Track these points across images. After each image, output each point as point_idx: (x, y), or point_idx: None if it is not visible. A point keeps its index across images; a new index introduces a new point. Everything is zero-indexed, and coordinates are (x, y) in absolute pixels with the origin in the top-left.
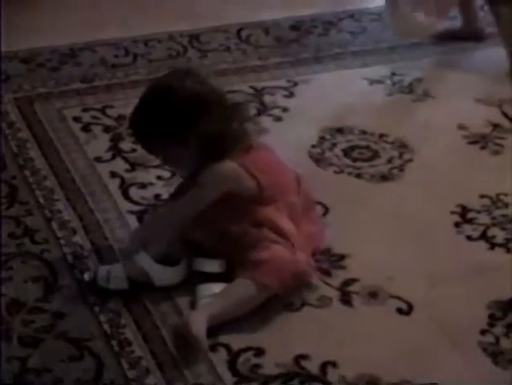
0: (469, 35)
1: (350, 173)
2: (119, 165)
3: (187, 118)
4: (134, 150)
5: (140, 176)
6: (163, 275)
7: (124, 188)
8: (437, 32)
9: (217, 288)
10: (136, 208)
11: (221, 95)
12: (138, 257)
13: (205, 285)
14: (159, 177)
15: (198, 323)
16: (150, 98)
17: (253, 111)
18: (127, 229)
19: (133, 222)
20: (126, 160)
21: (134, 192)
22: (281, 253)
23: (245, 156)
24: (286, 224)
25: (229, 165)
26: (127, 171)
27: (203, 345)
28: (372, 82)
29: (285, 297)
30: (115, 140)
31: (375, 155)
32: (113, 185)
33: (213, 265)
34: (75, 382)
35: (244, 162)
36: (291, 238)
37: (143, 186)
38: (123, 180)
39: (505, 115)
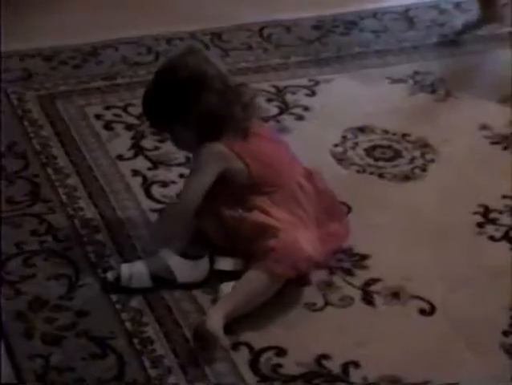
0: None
1: (372, 173)
2: (142, 163)
3: (188, 95)
4: (156, 148)
5: (162, 174)
6: (185, 270)
7: (146, 187)
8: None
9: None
10: (157, 206)
11: (223, 76)
12: (161, 253)
13: (228, 284)
14: (181, 175)
15: (214, 321)
16: (156, 76)
17: (273, 109)
18: (149, 228)
19: (155, 219)
20: (148, 158)
21: (156, 190)
22: (286, 240)
23: (240, 141)
24: (279, 214)
25: (217, 147)
26: (149, 169)
27: (221, 342)
28: (394, 81)
29: (305, 295)
30: (137, 138)
31: (398, 154)
32: (135, 183)
33: (229, 264)
34: (97, 380)
35: (236, 147)
36: (283, 224)
37: (165, 184)
38: (145, 179)
39: None
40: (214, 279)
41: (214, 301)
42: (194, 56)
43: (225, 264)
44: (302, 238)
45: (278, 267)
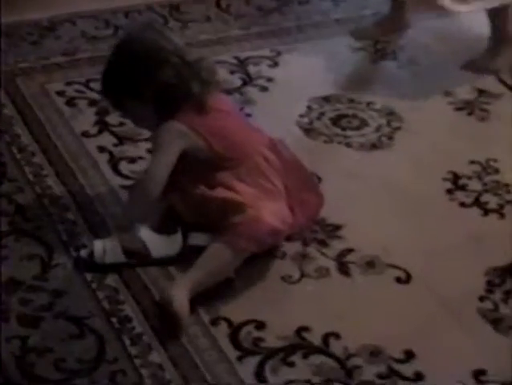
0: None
1: (340, 142)
2: (107, 140)
3: (145, 70)
4: (122, 124)
5: (129, 150)
6: (160, 245)
7: (114, 163)
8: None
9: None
10: (126, 182)
11: (181, 50)
12: (134, 228)
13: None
14: (149, 151)
15: (180, 298)
16: (113, 53)
17: (237, 81)
18: (119, 204)
19: (125, 197)
20: (114, 134)
21: (124, 166)
22: (250, 214)
23: (199, 117)
24: (243, 188)
25: (175, 125)
26: (115, 145)
27: (184, 322)
28: (356, 50)
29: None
30: (101, 114)
31: (364, 123)
32: (102, 160)
33: (202, 238)
34: (78, 361)
35: (195, 123)
36: (247, 198)
37: (132, 160)
38: (112, 155)
39: (503, 82)
40: (189, 255)
41: None
42: (151, 31)
43: (198, 239)
44: (267, 211)
45: (240, 241)
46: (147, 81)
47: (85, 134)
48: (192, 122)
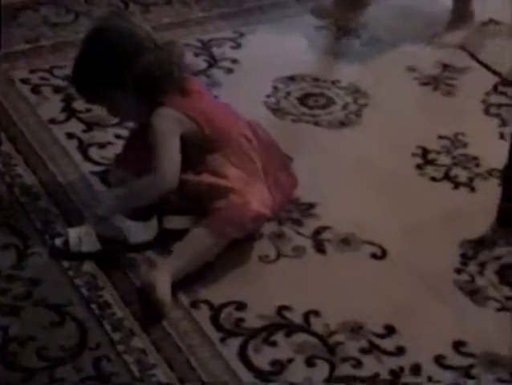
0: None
1: (308, 121)
2: (75, 126)
3: (123, 58)
4: (89, 110)
5: (98, 135)
6: (135, 231)
7: (83, 149)
8: None
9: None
10: (97, 168)
11: (151, 35)
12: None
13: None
14: (117, 136)
15: (163, 284)
16: (85, 46)
17: (202, 64)
18: (91, 190)
19: (97, 183)
20: (81, 120)
21: (94, 152)
22: (235, 200)
23: (184, 101)
24: (230, 171)
25: (167, 111)
26: (83, 131)
27: (167, 308)
28: (318, 28)
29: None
30: (68, 101)
31: (330, 101)
32: (71, 147)
33: (182, 222)
34: (61, 348)
35: (183, 107)
36: (235, 183)
37: (102, 146)
38: (80, 141)
39: (473, 55)
40: (165, 240)
41: None
42: (119, 18)
43: (174, 222)
44: (252, 196)
45: (223, 227)
46: (127, 68)
47: (52, 121)
48: (181, 106)
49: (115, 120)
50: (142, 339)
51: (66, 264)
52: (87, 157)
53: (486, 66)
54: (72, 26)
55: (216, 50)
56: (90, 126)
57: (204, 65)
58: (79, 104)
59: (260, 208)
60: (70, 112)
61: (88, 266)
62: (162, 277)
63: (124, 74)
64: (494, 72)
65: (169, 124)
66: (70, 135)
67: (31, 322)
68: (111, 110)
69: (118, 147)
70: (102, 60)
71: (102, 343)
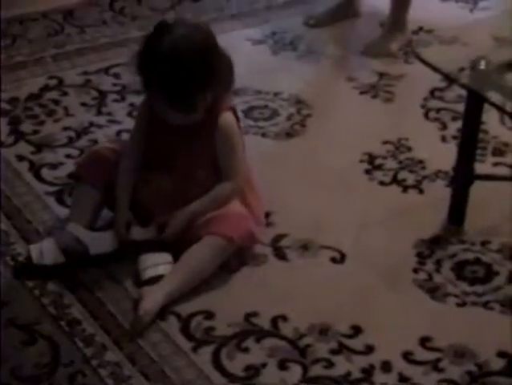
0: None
1: (255, 133)
2: (24, 148)
3: (215, 60)
4: (36, 132)
5: (48, 156)
6: (96, 242)
7: (35, 171)
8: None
9: (159, 258)
10: (51, 188)
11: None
12: (69, 227)
13: (147, 256)
14: (68, 156)
15: (148, 303)
16: (185, 54)
17: None
18: (47, 210)
19: (52, 203)
20: (29, 142)
21: (46, 173)
22: (238, 209)
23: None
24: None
25: (232, 117)
26: (33, 153)
27: (143, 327)
28: (255, 42)
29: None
30: (14, 124)
31: (275, 113)
32: (23, 169)
33: (142, 232)
34: (35, 366)
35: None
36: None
37: (53, 166)
38: (32, 163)
39: (421, 59)
40: (128, 252)
41: (134, 273)
42: (197, 25)
43: (138, 233)
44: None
45: (232, 233)
46: (219, 70)
47: (1, 144)
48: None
49: (63, 141)
50: (115, 353)
51: (30, 284)
52: (40, 178)
53: (434, 68)
54: (11, 49)
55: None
56: (39, 147)
57: None
58: (26, 126)
59: (255, 228)
60: (17, 135)
61: (53, 285)
62: (151, 296)
63: (219, 74)
64: (442, 73)
65: (237, 130)
66: (20, 158)
67: (3, 342)
68: (194, 109)
69: (70, 166)
70: (204, 66)
71: (75, 359)
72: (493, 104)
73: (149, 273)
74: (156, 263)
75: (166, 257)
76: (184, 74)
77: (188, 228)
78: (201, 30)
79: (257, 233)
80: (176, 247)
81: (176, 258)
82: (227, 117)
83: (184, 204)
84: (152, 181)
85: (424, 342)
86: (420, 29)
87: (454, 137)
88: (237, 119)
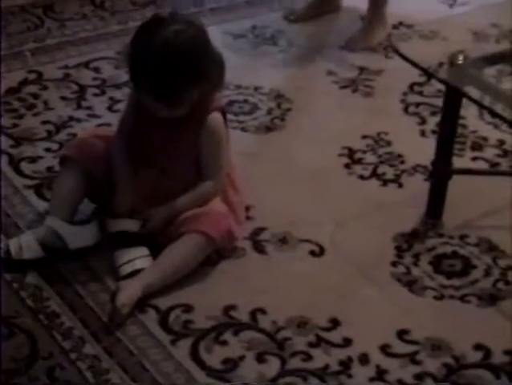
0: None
1: (235, 127)
2: (4, 142)
3: (207, 53)
4: (15, 125)
5: (28, 150)
6: (75, 236)
7: (15, 164)
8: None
9: (136, 252)
10: (31, 182)
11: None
12: (48, 221)
13: (123, 251)
14: (47, 149)
15: (125, 294)
16: (173, 45)
17: (124, 76)
18: (26, 204)
19: (31, 196)
20: (9, 135)
21: (25, 166)
22: (219, 208)
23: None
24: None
25: (220, 117)
26: (12, 147)
27: (121, 318)
28: (236, 36)
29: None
30: None
31: (255, 107)
32: (3, 163)
33: (128, 225)
34: (12, 359)
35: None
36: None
37: (33, 160)
38: (11, 157)
39: (400, 54)
40: (106, 246)
41: (112, 268)
42: (191, 21)
43: (120, 226)
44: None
45: (210, 231)
46: (210, 63)
47: None
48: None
49: (43, 134)
50: (93, 346)
51: (8, 277)
52: (19, 172)
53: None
54: None
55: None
56: (18, 141)
57: (126, 77)
58: (5, 120)
59: (234, 227)
60: None
61: (31, 278)
62: (129, 288)
63: (209, 68)
64: (421, 68)
65: (224, 130)
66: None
67: None
68: (181, 104)
69: (49, 160)
70: (197, 56)
71: (54, 352)
72: (471, 99)
73: (126, 269)
74: (133, 258)
75: (143, 250)
76: (172, 68)
77: (168, 225)
78: (193, 27)
79: (236, 233)
80: (157, 243)
81: (156, 254)
82: (215, 117)
83: (165, 198)
84: (136, 173)
85: (402, 334)
86: (400, 23)
87: (433, 132)
88: (225, 119)
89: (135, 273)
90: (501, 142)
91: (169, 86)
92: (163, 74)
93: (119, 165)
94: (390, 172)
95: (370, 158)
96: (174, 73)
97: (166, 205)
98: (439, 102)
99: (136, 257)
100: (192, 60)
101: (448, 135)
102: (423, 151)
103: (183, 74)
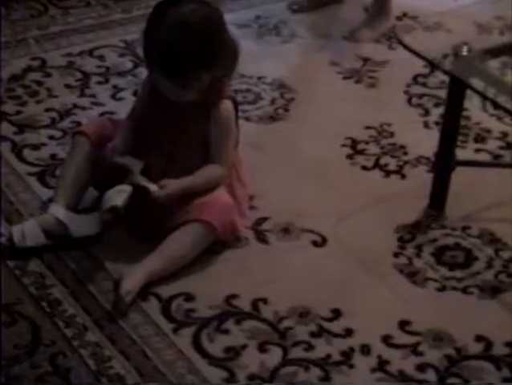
0: None
1: (239, 117)
2: (7, 128)
3: (222, 36)
4: (19, 112)
5: (31, 137)
6: (78, 224)
7: (18, 151)
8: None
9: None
10: (34, 169)
11: None
12: (52, 209)
13: (112, 190)
14: (51, 137)
15: (129, 282)
16: (188, 26)
17: (128, 64)
18: (29, 191)
19: (34, 184)
20: (12, 122)
21: (28, 153)
22: (224, 198)
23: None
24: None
25: (230, 106)
26: (15, 134)
27: (126, 306)
28: (240, 26)
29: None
30: None
31: (258, 97)
32: (5, 149)
33: (132, 162)
34: (15, 347)
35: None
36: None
37: (36, 147)
38: (14, 144)
39: (405, 45)
40: (109, 236)
41: (113, 254)
42: (209, 5)
43: (122, 160)
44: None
45: (213, 220)
46: (223, 53)
47: None
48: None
49: (46, 122)
50: (95, 334)
51: (11, 264)
52: (22, 159)
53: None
54: None
55: (140, 51)
56: (21, 128)
57: (130, 65)
58: (8, 106)
59: (238, 220)
60: None
61: (34, 265)
62: (132, 275)
63: (223, 51)
64: (425, 59)
65: (233, 120)
66: (2, 138)
67: None
68: (192, 87)
69: (52, 147)
70: (210, 40)
71: (56, 340)
72: (475, 90)
73: (105, 205)
74: (113, 196)
75: (124, 188)
76: (183, 45)
77: (173, 212)
78: (208, 8)
79: (239, 226)
80: (161, 231)
81: (159, 242)
82: (226, 105)
83: None
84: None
85: (404, 325)
86: (405, 15)
87: (437, 123)
88: (236, 109)
89: (113, 210)
90: (505, 134)
91: (179, 64)
92: (173, 47)
93: (123, 125)
94: (393, 163)
95: (373, 149)
96: (185, 50)
97: (176, 180)
98: (442, 93)
99: (116, 196)
100: (204, 40)
101: (451, 126)
102: (426, 142)
103: (194, 53)
